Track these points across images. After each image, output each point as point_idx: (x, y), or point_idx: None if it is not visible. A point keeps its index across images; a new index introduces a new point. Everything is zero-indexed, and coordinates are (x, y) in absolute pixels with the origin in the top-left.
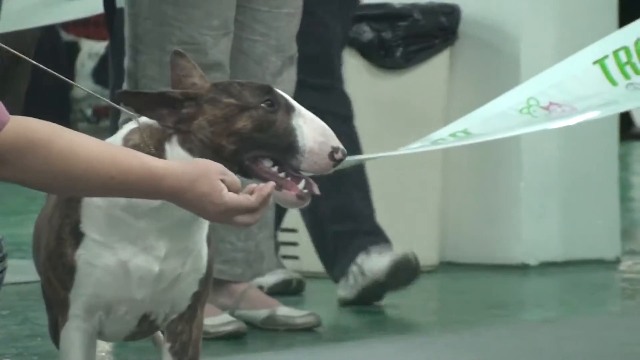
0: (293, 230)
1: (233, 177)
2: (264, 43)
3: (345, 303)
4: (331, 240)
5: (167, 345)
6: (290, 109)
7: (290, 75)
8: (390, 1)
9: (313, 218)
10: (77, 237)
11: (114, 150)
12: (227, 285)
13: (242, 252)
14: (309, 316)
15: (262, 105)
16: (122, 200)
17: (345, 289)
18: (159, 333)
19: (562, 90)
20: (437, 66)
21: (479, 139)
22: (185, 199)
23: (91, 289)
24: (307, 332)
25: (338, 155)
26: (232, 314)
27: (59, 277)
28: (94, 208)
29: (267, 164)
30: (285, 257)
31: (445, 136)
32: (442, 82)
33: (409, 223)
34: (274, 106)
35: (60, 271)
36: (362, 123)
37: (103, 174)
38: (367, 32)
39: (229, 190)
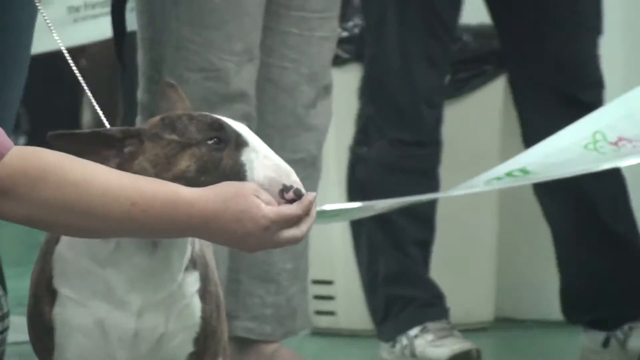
0: (328, 282)
1: (268, 195)
2: (294, 71)
3: None
4: (383, 299)
5: None
6: (241, 145)
7: (325, 107)
8: None
9: (368, 272)
10: (52, 294)
11: (135, 177)
12: (256, 345)
13: (272, 307)
14: None
15: (208, 142)
16: (85, 248)
17: (390, 355)
18: None
19: (633, 123)
20: (490, 95)
21: (539, 179)
22: (222, 223)
23: (73, 351)
24: None
25: (289, 195)
26: None
27: (40, 338)
28: (62, 261)
29: None
30: (319, 312)
31: (501, 175)
32: (497, 113)
33: (461, 274)
34: (220, 143)
35: (40, 332)
36: None
37: (123, 200)
38: None
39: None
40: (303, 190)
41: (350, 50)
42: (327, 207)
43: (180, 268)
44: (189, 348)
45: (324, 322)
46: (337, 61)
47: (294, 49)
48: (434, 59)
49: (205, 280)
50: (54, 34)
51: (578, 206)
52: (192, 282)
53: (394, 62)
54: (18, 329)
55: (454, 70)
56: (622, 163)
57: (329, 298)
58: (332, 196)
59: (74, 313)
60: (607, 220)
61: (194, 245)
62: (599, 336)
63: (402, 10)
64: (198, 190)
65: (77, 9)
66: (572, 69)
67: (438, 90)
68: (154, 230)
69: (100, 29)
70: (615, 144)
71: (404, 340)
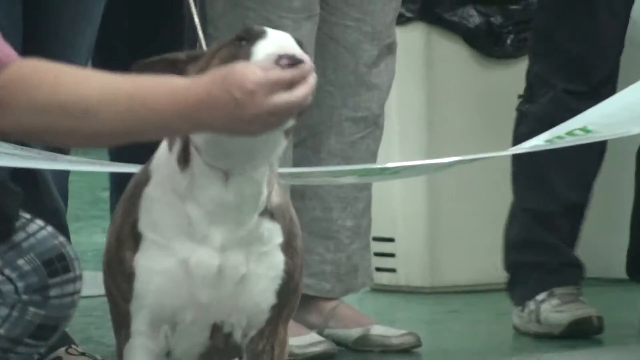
0: (389, 240)
1: (259, 65)
2: (357, 29)
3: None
4: (511, 264)
5: None
6: (260, 36)
7: (388, 66)
8: None
9: (504, 235)
10: (136, 238)
11: (131, 76)
12: (315, 301)
13: (332, 264)
14: (407, 336)
15: (235, 42)
16: (169, 184)
17: (519, 320)
18: None
19: None
20: None
21: (600, 137)
22: (213, 97)
23: (153, 298)
24: (405, 353)
25: (282, 61)
26: (320, 334)
27: (118, 286)
28: (149, 201)
29: None
30: (379, 269)
31: (562, 134)
32: None
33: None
34: (243, 40)
35: (119, 280)
36: (468, 117)
37: (121, 94)
38: (474, 17)
39: None
40: (301, 58)
41: (414, 9)
42: (390, 165)
43: (254, 206)
44: (272, 299)
45: (384, 279)
46: (401, 20)
47: (356, 7)
48: (613, 8)
49: (289, 235)
50: None
51: None
52: (272, 231)
53: (567, 13)
54: None
55: (517, 30)
56: None
57: (390, 255)
58: (394, 154)
59: (157, 256)
60: None
61: (270, 193)
62: None
63: None
64: (193, 77)
65: None
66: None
67: (615, 41)
68: (153, 123)
69: None
70: None
71: (531, 305)
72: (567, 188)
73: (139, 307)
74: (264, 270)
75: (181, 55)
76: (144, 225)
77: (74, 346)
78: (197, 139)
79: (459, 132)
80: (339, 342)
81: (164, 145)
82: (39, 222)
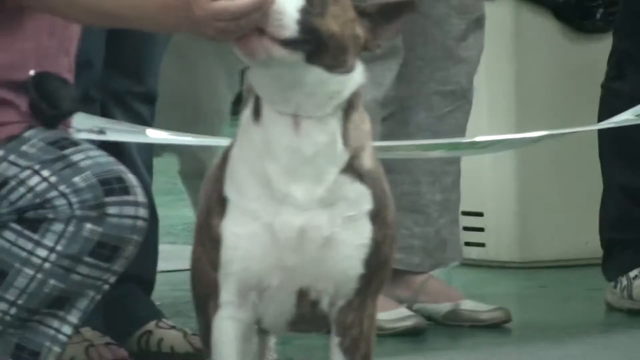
0: (479, 214)
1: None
2: (445, 2)
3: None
4: (606, 241)
5: (336, 340)
6: None
7: (477, 40)
8: None
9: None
10: (223, 203)
11: None
12: (405, 275)
13: (421, 238)
14: (498, 311)
15: None
16: (248, 143)
17: (612, 296)
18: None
19: None
20: None
21: None
22: (172, 2)
23: (240, 264)
24: (495, 328)
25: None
26: (410, 308)
27: (207, 253)
28: (234, 162)
29: None
30: (468, 244)
31: None
32: None
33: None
34: None
35: (208, 246)
36: (557, 92)
37: None
38: None
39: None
40: None
41: None
42: (479, 138)
43: (331, 158)
44: (359, 269)
45: (473, 253)
46: None
47: None
48: None
49: (380, 204)
50: None
51: None
52: (361, 195)
53: None
54: (166, 257)
55: (606, 4)
56: None
57: (479, 230)
58: (483, 128)
59: (242, 221)
60: None
61: (358, 154)
62: None
63: None
64: None
65: None
66: None
67: None
68: (134, 17)
69: None
70: None
71: (624, 281)
72: None
73: (226, 275)
74: (350, 236)
75: None
76: (229, 190)
77: (164, 319)
78: (256, 87)
79: (548, 106)
80: (428, 317)
81: (245, 112)
82: (102, 151)
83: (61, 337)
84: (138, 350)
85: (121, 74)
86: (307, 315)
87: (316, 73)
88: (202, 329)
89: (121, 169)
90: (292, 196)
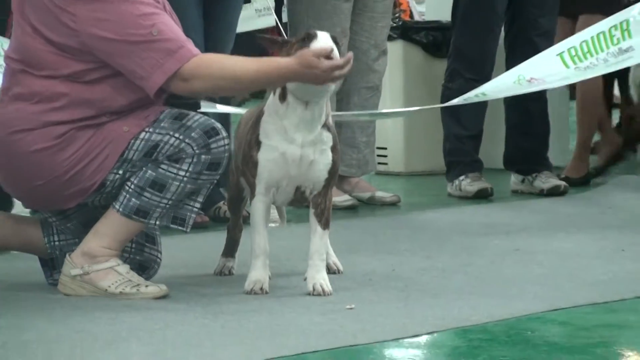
0: (384, 148)
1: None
2: (367, 42)
3: (450, 196)
4: (447, 161)
5: (312, 210)
6: (314, 37)
7: (384, 61)
8: None
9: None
10: (258, 144)
11: (259, 60)
12: (347, 179)
13: (355, 160)
14: (394, 197)
15: (300, 40)
16: (274, 111)
17: (450, 189)
18: (278, 215)
19: (538, 70)
20: None
21: (489, 98)
22: (297, 68)
23: (267, 174)
24: (393, 206)
25: (328, 55)
26: (350, 195)
27: (250, 170)
28: (265, 123)
29: None
30: (380, 163)
31: (472, 96)
32: None
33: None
34: (304, 40)
35: (250, 166)
36: (424, 88)
37: (254, 68)
38: (427, 36)
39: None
40: (336, 54)
41: (396, 33)
42: (384, 111)
43: (320, 121)
44: (325, 175)
45: (382, 167)
46: (389, 38)
47: (367, 31)
48: (494, 34)
49: (335, 142)
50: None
51: (522, 107)
52: (328, 138)
53: (471, 41)
54: None
55: (448, 43)
56: (532, 89)
57: (385, 156)
58: (387, 106)
59: (269, 153)
60: (533, 118)
61: (328, 115)
62: (520, 177)
63: (470, 12)
64: (287, 58)
65: (260, 10)
66: None
67: (493, 53)
68: (268, 83)
69: (270, 21)
70: (530, 81)
71: (456, 182)
72: (470, 121)
73: (260, 180)
74: (323, 159)
75: (280, 39)
76: (262, 136)
77: (223, 201)
78: (290, 86)
79: (420, 95)
80: (359, 200)
81: (271, 96)
82: (202, 115)
83: (195, 209)
84: (213, 216)
85: None
86: (298, 198)
87: (332, 87)
88: (230, 202)
89: (213, 122)
90: (297, 139)
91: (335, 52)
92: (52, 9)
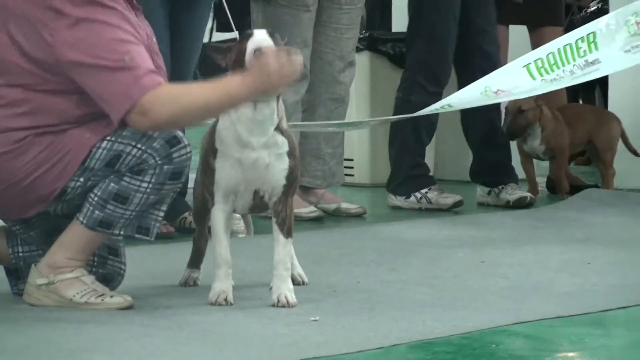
0: (351, 160)
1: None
2: (332, 54)
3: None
4: (406, 177)
5: (274, 220)
6: (250, 36)
7: (351, 72)
8: None
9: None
10: (214, 152)
11: (221, 84)
12: (313, 190)
13: (320, 172)
14: (360, 208)
15: (239, 42)
16: (227, 118)
17: (404, 203)
18: (245, 225)
19: (504, 82)
20: None
21: (455, 109)
22: (255, 79)
23: (224, 181)
24: (359, 217)
25: (257, 53)
26: (316, 207)
27: (208, 178)
28: (219, 131)
29: None
30: (347, 175)
31: (437, 107)
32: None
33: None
34: (243, 40)
35: (208, 174)
36: (387, 96)
37: (218, 93)
38: (393, 47)
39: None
40: (266, 48)
41: (363, 44)
42: (349, 120)
43: (271, 122)
44: (283, 181)
45: (348, 178)
46: (357, 49)
47: (332, 43)
48: (453, 45)
49: (291, 147)
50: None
51: (484, 118)
52: (283, 142)
53: (433, 52)
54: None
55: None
56: (498, 100)
57: (351, 167)
58: (353, 117)
59: (225, 159)
60: (496, 130)
61: (281, 119)
62: (486, 190)
63: (433, 23)
64: (244, 75)
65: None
66: None
67: (451, 64)
68: (233, 99)
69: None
70: (496, 92)
71: (417, 195)
72: (429, 135)
73: (217, 187)
74: (278, 163)
75: (224, 46)
76: (218, 143)
77: (189, 211)
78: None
79: (383, 103)
80: (324, 211)
81: None
82: None
83: (159, 218)
84: (179, 227)
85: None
86: (258, 204)
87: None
88: (195, 213)
89: (175, 131)
90: (251, 143)
91: (267, 44)
92: (35, 23)
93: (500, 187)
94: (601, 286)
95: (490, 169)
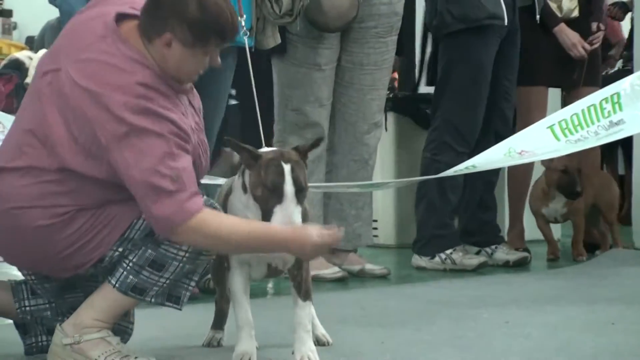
0: (375, 220)
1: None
2: (355, 115)
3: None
4: (431, 236)
5: (291, 283)
6: (280, 197)
7: (376, 134)
8: None
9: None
10: None
11: (251, 224)
12: (338, 252)
13: (345, 233)
14: (384, 269)
15: (268, 190)
16: (239, 195)
17: (428, 264)
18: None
19: (528, 143)
20: None
21: (479, 170)
22: (290, 243)
23: (235, 255)
24: (383, 278)
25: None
26: (340, 268)
27: (219, 257)
28: (231, 204)
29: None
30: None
31: (462, 168)
32: None
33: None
34: (272, 194)
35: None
36: (414, 157)
37: (253, 234)
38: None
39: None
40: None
41: (389, 105)
42: (375, 182)
43: None
44: (292, 259)
45: (372, 240)
46: (386, 108)
47: (355, 104)
48: (483, 107)
49: (304, 219)
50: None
51: (484, 180)
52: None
53: (464, 113)
54: None
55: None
56: (523, 161)
57: (375, 228)
58: (377, 178)
59: None
60: (492, 190)
61: None
62: (475, 249)
63: (466, 85)
64: (282, 231)
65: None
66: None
67: (480, 125)
68: (259, 249)
69: None
70: (520, 153)
71: (442, 256)
72: (455, 195)
73: (232, 258)
74: None
75: (254, 151)
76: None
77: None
78: (249, 183)
79: (410, 166)
80: (349, 272)
81: (238, 175)
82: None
83: (190, 288)
84: (203, 288)
85: None
86: (272, 273)
87: None
88: (213, 272)
89: (213, 202)
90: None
91: (296, 221)
92: (92, 120)
93: (493, 247)
94: (625, 347)
95: (482, 229)
